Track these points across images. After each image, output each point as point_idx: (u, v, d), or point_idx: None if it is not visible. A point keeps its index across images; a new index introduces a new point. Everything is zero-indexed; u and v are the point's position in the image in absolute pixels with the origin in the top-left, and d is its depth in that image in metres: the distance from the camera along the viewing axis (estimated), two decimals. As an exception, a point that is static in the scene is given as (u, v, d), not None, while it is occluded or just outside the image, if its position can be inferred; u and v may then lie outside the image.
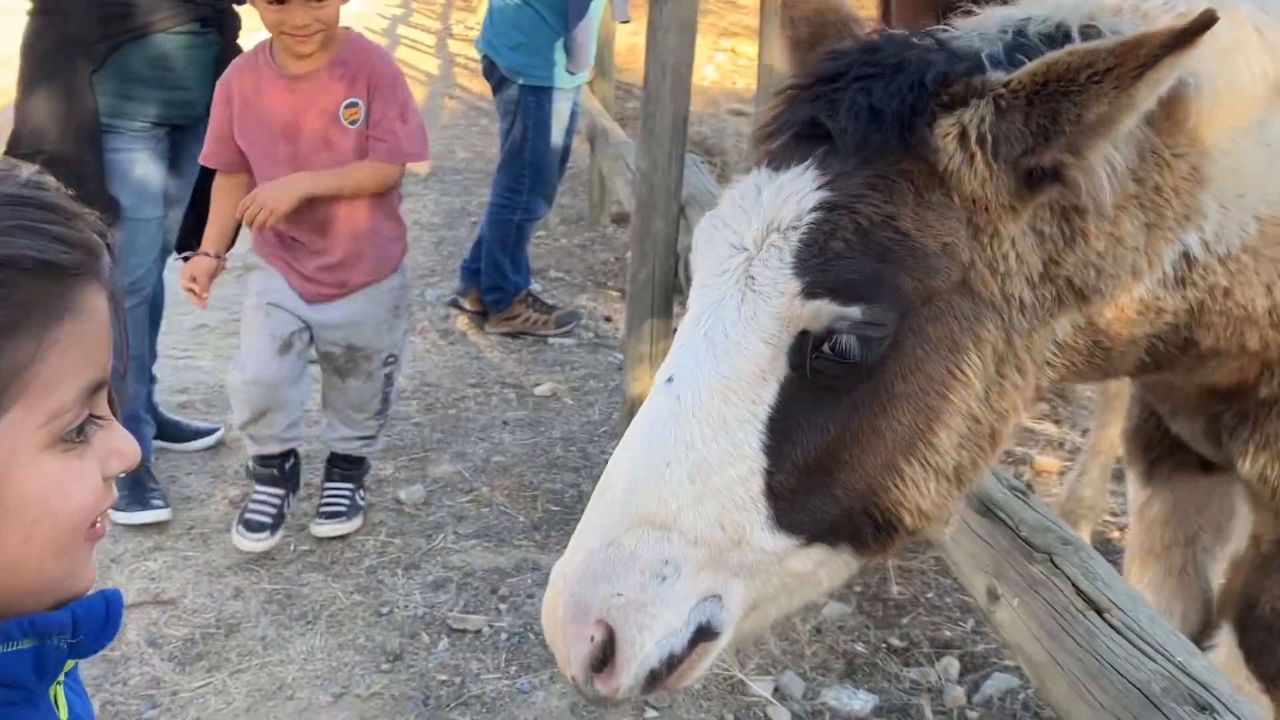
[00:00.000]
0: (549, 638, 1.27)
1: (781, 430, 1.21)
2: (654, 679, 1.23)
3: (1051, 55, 1.17)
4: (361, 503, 3.35)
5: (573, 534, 1.29)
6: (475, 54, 13.72)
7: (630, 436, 1.25)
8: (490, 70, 4.76)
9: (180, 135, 3.23)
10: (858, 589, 3.14)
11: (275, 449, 3.17)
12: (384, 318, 3.13)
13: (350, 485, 3.32)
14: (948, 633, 2.98)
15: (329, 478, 3.33)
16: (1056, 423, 4.29)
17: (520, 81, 4.61)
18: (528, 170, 4.75)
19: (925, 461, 1.24)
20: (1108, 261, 1.27)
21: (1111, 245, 1.27)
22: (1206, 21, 1.09)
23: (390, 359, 3.19)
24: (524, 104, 4.64)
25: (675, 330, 1.41)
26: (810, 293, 1.19)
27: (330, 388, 3.22)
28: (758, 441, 1.21)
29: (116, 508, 3.28)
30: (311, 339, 3.12)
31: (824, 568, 1.30)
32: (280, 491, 3.19)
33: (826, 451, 1.22)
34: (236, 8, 3.26)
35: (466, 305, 5.11)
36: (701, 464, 1.20)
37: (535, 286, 5.24)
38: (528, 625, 2.89)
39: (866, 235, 1.19)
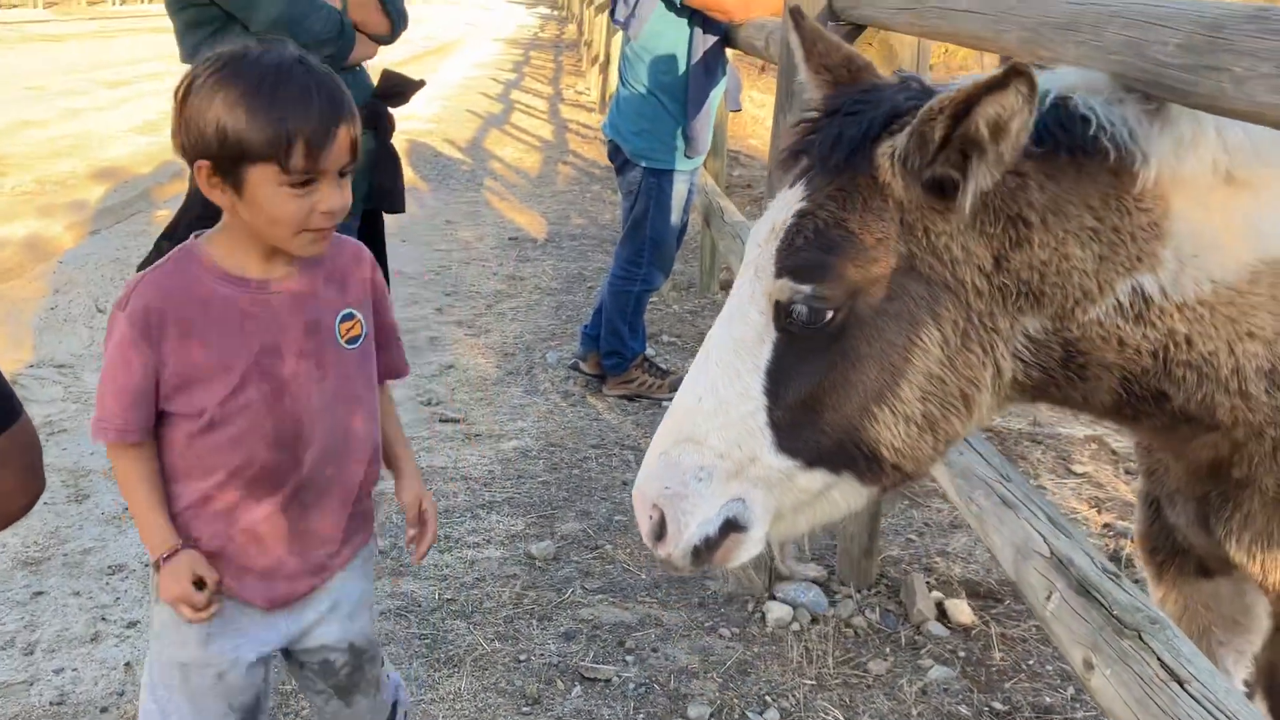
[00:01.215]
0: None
1: (777, 379, 1.59)
2: (698, 555, 1.63)
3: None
4: None
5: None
6: (587, 119, 14.22)
7: (683, 382, 1.67)
8: (615, 153, 5.13)
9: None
10: (961, 654, 3.32)
11: None
12: (370, 591, 2.17)
13: None
14: (1048, 699, 3.14)
15: None
16: (1158, 497, 4.39)
17: (643, 164, 4.97)
18: (647, 245, 5.09)
19: (893, 409, 1.57)
20: (1051, 271, 1.55)
21: (1057, 260, 1.55)
22: (1006, 73, 1.41)
23: (377, 658, 2.21)
24: (645, 185, 4.99)
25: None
26: (779, 273, 1.58)
27: None
28: (760, 386, 1.59)
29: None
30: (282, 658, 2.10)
31: (836, 490, 1.65)
32: None
33: (811, 396, 1.58)
34: (390, 109, 3.55)
35: (586, 369, 5.44)
36: (723, 401, 1.60)
37: (650, 351, 5.54)
38: (653, 677, 3.14)
39: (821, 233, 1.57)
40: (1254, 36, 1.28)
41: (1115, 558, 3.82)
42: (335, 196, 1.80)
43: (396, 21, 3.55)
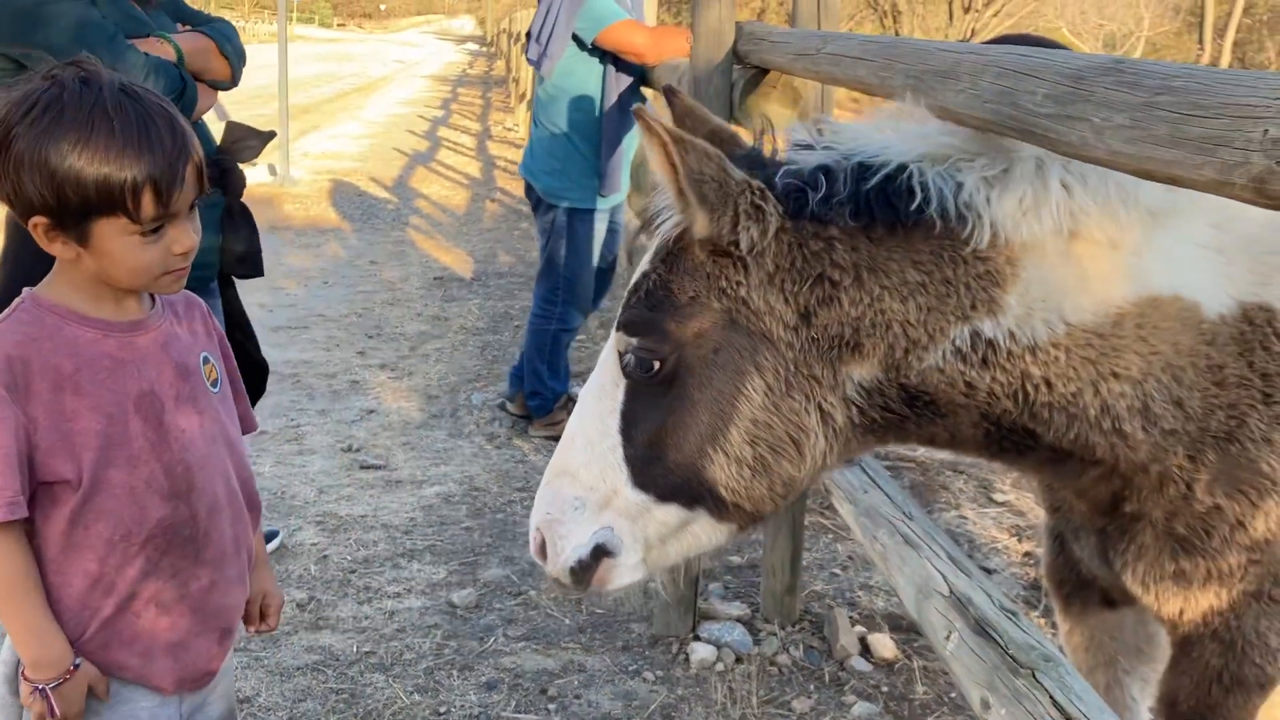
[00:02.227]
0: None
1: (629, 420, 1.73)
2: (576, 575, 1.77)
3: None
4: None
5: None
6: (515, 155, 14.22)
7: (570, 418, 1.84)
8: (530, 192, 5.15)
9: None
10: (884, 689, 3.33)
11: None
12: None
13: None
14: (970, 730, 3.16)
15: None
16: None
17: (556, 204, 4.98)
18: (562, 284, 5.10)
19: (725, 452, 1.67)
20: (866, 324, 1.62)
21: (871, 314, 1.62)
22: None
23: None
24: (558, 224, 5.01)
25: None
26: (617, 326, 1.75)
27: None
28: (617, 426, 1.74)
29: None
30: None
31: (695, 524, 1.76)
32: None
33: (656, 437, 1.71)
34: (241, 166, 3.34)
35: (513, 409, 5.40)
36: (590, 438, 1.76)
37: (575, 390, 5.52)
38: (575, 724, 3.11)
39: (651, 293, 1.71)
40: (1110, 89, 1.31)
41: (1035, 586, 3.87)
42: (188, 235, 1.69)
43: (236, 63, 3.32)
